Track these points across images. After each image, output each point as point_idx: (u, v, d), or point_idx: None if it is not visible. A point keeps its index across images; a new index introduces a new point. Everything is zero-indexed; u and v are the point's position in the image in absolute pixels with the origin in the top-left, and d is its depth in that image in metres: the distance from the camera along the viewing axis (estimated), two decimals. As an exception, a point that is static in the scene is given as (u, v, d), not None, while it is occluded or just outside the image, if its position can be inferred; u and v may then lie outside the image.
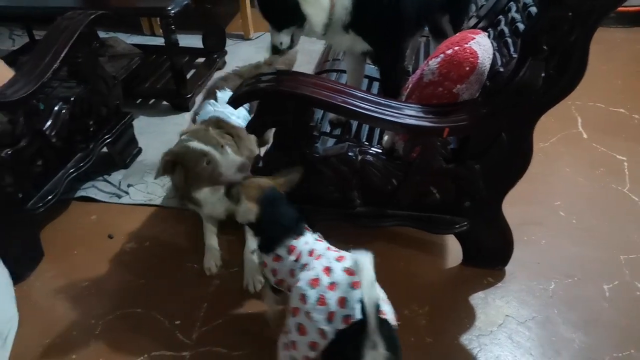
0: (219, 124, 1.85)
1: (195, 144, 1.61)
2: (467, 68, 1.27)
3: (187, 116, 2.58)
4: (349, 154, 1.47)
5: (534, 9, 1.37)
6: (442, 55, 1.32)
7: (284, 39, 1.42)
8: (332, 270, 1.08)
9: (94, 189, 2.07)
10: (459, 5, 1.82)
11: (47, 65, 1.61)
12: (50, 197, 1.71)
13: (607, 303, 1.55)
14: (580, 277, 1.63)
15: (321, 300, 1.03)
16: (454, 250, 1.73)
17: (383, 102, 1.33)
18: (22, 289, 1.65)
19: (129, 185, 2.10)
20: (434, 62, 1.34)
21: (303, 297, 1.05)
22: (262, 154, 1.61)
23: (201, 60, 2.97)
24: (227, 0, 3.77)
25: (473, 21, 1.79)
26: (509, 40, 1.44)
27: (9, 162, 1.53)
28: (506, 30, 1.50)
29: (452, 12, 1.82)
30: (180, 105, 2.58)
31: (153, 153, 2.29)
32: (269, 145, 1.54)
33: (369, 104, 1.31)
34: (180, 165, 1.62)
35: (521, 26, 1.40)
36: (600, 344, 1.44)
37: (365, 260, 0.94)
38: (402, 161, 1.46)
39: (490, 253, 1.64)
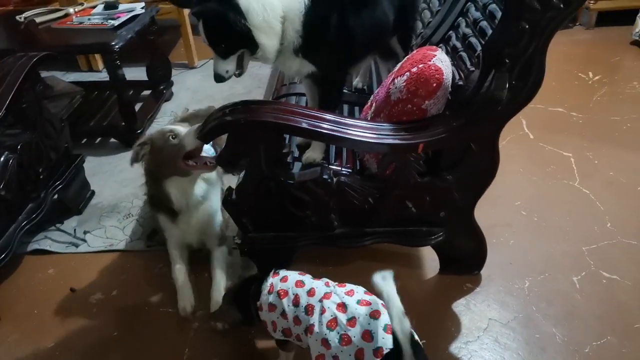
0: None
1: (166, 126, 1.64)
2: (434, 84, 1.30)
3: (139, 152, 2.48)
4: (324, 176, 1.47)
5: (484, 23, 1.44)
6: (407, 74, 1.35)
7: (230, 66, 1.37)
8: (347, 306, 1.06)
9: (48, 240, 1.93)
10: (407, 25, 1.86)
11: (-10, 114, 1.49)
12: (3, 256, 1.58)
13: (579, 294, 1.63)
14: (551, 272, 1.71)
15: (345, 340, 1.00)
16: (429, 260, 1.76)
17: (356, 123, 1.35)
18: (-19, 359, 1.51)
19: (85, 232, 1.98)
20: (400, 81, 1.37)
21: (325, 342, 1.02)
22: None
23: (147, 92, 2.88)
24: (168, 29, 3.70)
25: (419, 39, 1.86)
26: (464, 54, 1.50)
27: (-45, 222, 1.40)
28: (458, 45, 1.57)
29: (400, 33, 1.86)
30: (130, 141, 2.47)
31: (108, 194, 2.18)
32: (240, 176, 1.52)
33: (342, 126, 1.32)
34: (149, 146, 1.62)
35: (474, 40, 1.47)
36: (579, 335, 1.50)
37: (391, 289, 0.94)
38: (377, 179, 1.48)
39: (466, 259, 1.68)
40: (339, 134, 1.30)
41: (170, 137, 1.59)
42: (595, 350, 1.45)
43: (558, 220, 1.92)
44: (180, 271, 1.72)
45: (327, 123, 1.32)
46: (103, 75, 3.31)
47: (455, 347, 1.49)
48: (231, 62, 1.37)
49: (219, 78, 1.39)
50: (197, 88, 3.10)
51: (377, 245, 1.66)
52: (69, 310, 1.65)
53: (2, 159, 1.61)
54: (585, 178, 2.13)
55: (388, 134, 1.32)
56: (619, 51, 3.25)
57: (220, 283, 1.67)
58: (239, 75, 1.42)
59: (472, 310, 1.60)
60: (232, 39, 1.32)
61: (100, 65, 3.36)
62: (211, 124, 1.36)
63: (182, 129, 1.61)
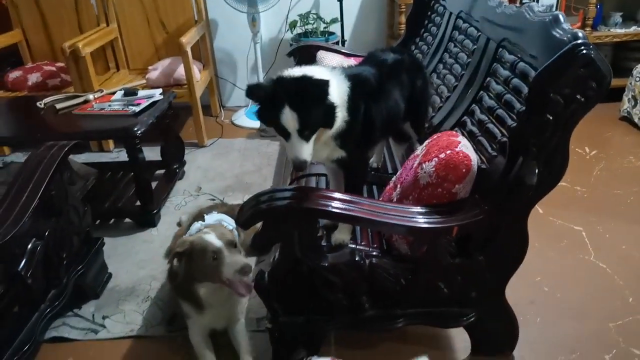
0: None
1: (212, 238, 1.60)
2: (464, 170, 1.37)
3: (154, 231, 2.49)
4: (356, 258, 1.49)
5: (501, 112, 1.54)
6: (436, 159, 1.42)
7: (311, 147, 1.31)
8: None
9: (66, 327, 1.87)
10: (419, 112, 1.96)
11: (24, 205, 1.51)
12: (26, 347, 1.53)
13: (613, 373, 1.62)
14: (582, 351, 1.70)
15: None
16: (460, 341, 1.74)
17: (390, 206, 1.39)
18: None
19: (104, 317, 1.93)
20: (429, 166, 1.43)
21: None
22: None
23: (160, 171, 2.93)
24: (178, 110, 3.82)
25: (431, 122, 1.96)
26: (482, 139, 1.59)
27: (-17, 315, 1.38)
28: (475, 130, 1.66)
29: (412, 119, 1.96)
30: (146, 221, 2.49)
31: (125, 277, 2.16)
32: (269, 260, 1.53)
33: (378, 210, 1.36)
34: (189, 255, 1.59)
35: (491, 127, 1.56)
36: (621, 417, 1.47)
37: None
38: (408, 260, 1.50)
39: (499, 340, 1.67)
40: (377, 219, 1.33)
41: (212, 258, 1.58)
42: None
43: (580, 296, 1.94)
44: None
45: (363, 207, 1.36)
46: (114, 156, 3.38)
47: None
48: (311, 144, 1.32)
49: (304, 165, 1.32)
50: (208, 166, 3.17)
51: (405, 327, 1.64)
52: (89, 405, 1.58)
53: (30, 246, 1.61)
54: (599, 252, 2.17)
55: (422, 217, 1.36)
56: (610, 127, 3.43)
57: None
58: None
59: (509, 394, 1.57)
60: (321, 116, 1.31)
61: (112, 145, 3.43)
62: (247, 214, 1.39)
63: (226, 253, 1.59)
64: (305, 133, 1.29)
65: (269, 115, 1.32)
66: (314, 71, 1.37)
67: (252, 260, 2.12)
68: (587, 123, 3.69)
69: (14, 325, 1.53)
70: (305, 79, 1.31)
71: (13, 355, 1.49)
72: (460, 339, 1.73)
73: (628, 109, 3.40)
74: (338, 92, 1.39)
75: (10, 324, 1.52)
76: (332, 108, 1.33)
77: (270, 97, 1.29)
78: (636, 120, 3.32)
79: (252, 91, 1.31)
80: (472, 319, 1.58)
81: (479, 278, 1.50)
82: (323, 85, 1.28)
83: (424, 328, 1.67)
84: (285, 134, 1.31)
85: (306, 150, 1.31)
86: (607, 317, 1.82)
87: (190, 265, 1.61)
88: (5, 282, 1.45)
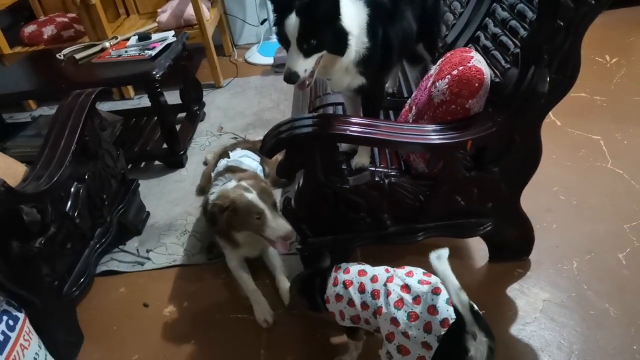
0: (233, 169, 1.94)
1: (255, 199, 1.66)
2: (476, 84, 1.40)
3: (183, 172, 2.61)
4: (376, 179, 1.57)
5: (514, 22, 1.53)
6: (449, 76, 1.45)
7: (309, 65, 1.32)
8: (410, 287, 1.17)
9: (114, 262, 2.05)
10: (431, 32, 1.95)
11: (64, 149, 1.62)
12: (83, 279, 1.71)
13: (626, 270, 1.70)
14: (597, 251, 1.79)
15: (413, 317, 1.10)
16: (478, 250, 1.85)
17: (407, 126, 1.45)
18: (73, 376, 1.63)
19: (148, 251, 2.10)
20: (442, 83, 1.47)
21: (394, 320, 1.12)
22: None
23: (181, 114, 3.01)
24: (192, 52, 3.84)
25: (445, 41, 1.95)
26: (496, 53, 1.60)
27: (43, 251, 1.53)
28: (489, 44, 1.66)
29: (425, 39, 1.95)
30: (175, 163, 2.61)
31: (162, 214, 2.31)
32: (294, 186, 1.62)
33: (395, 130, 1.42)
34: (232, 210, 1.67)
35: (505, 39, 1.57)
36: (632, 308, 1.57)
37: (446, 267, 1.04)
38: (425, 177, 1.58)
39: (515, 246, 1.77)
40: (394, 139, 1.40)
41: (256, 218, 1.65)
42: (650, 321, 1.53)
43: (596, 201, 2.00)
44: (249, 285, 1.80)
45: (382, 129, 1.42)
46: (135, 102, 3.46)
47: (515, 330, 1.57)
48: (310, 62, 1.33)
49: (294, 77, 1.31)
50: (227, 106, 3.23)
51: (426, 241, 1.75)
52: (145, 324, 1.77)
53: (73, 189, 1.74)
54: (616, 159, 2.20)
55: (438, 134, 1.42)
56: (632, 32, 3.31)
57: (284, 279, 1.79)
58: (309, 85, 1.38)
59: (526, 294, 1.68)
60: (327, 36, 1.31)
61: (132, 92, 3.51)
62: (270, 143, 1.47)
63: (269, 217, 1.65)
64: (304, 46, 1.29)
65: (279, 18, 1.33)
66: None
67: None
68: (608, 30, 3.61)
69: (70, 259, 1.70)
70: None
71: (72, 286, 1.67)
72: (477, 248, 1.84)
73: (653, 12, 3.26)
74: (358, 19, 1.40)
75: (67, 259, 1.68)
76: (343, 34, 1.35)
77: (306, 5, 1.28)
78: (661, 22, 3.20)
79: None
80: (489, 228, 1.67)
81: (494, 189, 1.57)
82: (334, 3, 1.29)
83: (442, 240, 1.76)
84: (286, 43, 1.33)
85: (301, 65, 1.30)
86: (622, 219, 1.89)
87: (233, 218, 1.69)
88: (57, 221, 1.59)
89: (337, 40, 1.35)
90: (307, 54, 1.32)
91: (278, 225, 1.64)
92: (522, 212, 1.68)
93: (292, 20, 1.28)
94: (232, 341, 1.67)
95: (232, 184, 1.78)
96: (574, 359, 1.46)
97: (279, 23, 1.32)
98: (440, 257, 1.06)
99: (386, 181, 1.57)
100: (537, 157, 1.52)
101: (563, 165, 2.22)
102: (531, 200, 1.72)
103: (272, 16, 1.38)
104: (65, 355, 1.64)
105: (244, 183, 1.73)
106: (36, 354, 1.43)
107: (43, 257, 1.52)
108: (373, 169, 1.65)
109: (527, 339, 1.54)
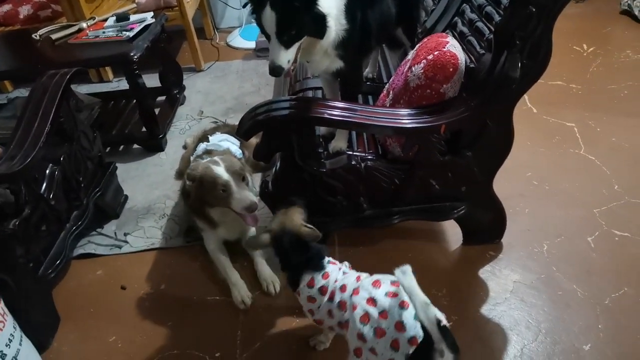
0: (212, 153, 1.93)
1: (221, 171, 1.66)
2: (451, 69, 1.42)
3: (162, 155, 2.59)
4: (352, 162, 1.59)
5: (489, 9, 1.55)
6: (424, 61, 1.46)
7: (291, 56, 1.33)
8: (377, 300, 1.13)
9: (92, 245, 2.04)
10: (410, 17, 1.96)
11: (38, 130, 1.60)
12: (59, 261, 1.70)
13: (595, 253, 1.76)
14: (567, 235, 1.84)
15: (379, 333, 1.08)
16: (452, 234, 1.89)
17: (382, 111, 1.46)
18: (50, 357, 1.63)
19: (125, 234, 2.09)
20: (417, 68, 1.48)
21: (361, 336, 1.11)
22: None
23: (161, 98, 2.98)
24: (173, 35, 3.79)
25: (424, 27, 1.97)
26: (472, 39, 1.62)
27: (17, 232, 1.51)
28: (465, 30, 1.68)
29: (404, 24, 1.96)
30: (154, 146, 2.59)
31: (140, 198, 2.30)
32: (272, 170, 1.63)
33: (371, 114, 1.44)
34: (199, 181, 1.68)
35: (481, 25, 1.58)
36: (598, 289, 1.63)
37: (411, 282, 1.00)
38: (401, 161, 1.60)
39: (487, 229, 1.81)
40: (369, 122, 1.41)
41: (221, 190, 1.64)
42: (614, 301, 1.58)
43: (568, 187, 2.05)
44: (227, 266, 1.81)
45: (358, 113, 1.44)
46: (114, 85, 3.41)
47: (485, 310, 1.62)
48: (292, 52, 1.33)
49: (278, 70, 1.32)
50: (208, 90, 3.20)
51: (402, 224, 1.78)
52: (123, 306, 1.78)
53: (48, 171, 1.72)
54: (589, 146, 2.26)
55: (412, 119, 1.44)
56: (609, 22, 3.37)
57: (262, 262, 1.81)
58: (293, 71, 1.40)
59: (497, 275, 1.73)
60: (304, 23, 1.31)
61: (111, 75, 3.46)
62: (246, 125, 1.48)
63: (234, 187, 1.64)
64: (284, 38, 1.30)
65: (256, 13, 1.33)
66: None
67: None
68: (586, 19, 3.67)
69: (45, 241, 1.69)
70: None
71: (48, 268, 1.66)
72: (452, 232, 1.88)
73: (628, 2, 3.32)
74: (335, 1, 1.40)
75: (42, 241, 1.67)
76: (321, 17, 1.35)
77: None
78: (636, 12, 3.25)
79: None
80: (462, 212, 1.71)
81: (467, 173, 1.60)
82: None
83: (418, 223, 1.81)
84: (267, 36, 1.34)
85: (283, 56, 1.31)
86: (593, 204, 1.95)
87: (201, 190, 1.70)
88: (31, 203, 1.57)
89: (316, 24, 1.35)
90: (287, 45, 1.33)
91: (242, 196, 1.64)
92: (495, 197, 1.72)
93: (268, 14, 1.28)
94: (209, 323, 1.68)
95: (206, 159, 1.79)
96: (542, 337, 1.51)
97: (256, 13, 1.32)
98: (405, 272, 1.02)
99: (363, 165, 1.59)
100: (510, 142, 1.55)
101: (537, 151, 2.27)
102: (505, 185, 1.76)
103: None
104: (42, 336, 1.64)
105: (215, 158, 1.75)
106: (11, 334, 1.42)
107: (17, 239, 1.51)
108: (350, 152, 1.67)
109: (497, 318, 1.59)
